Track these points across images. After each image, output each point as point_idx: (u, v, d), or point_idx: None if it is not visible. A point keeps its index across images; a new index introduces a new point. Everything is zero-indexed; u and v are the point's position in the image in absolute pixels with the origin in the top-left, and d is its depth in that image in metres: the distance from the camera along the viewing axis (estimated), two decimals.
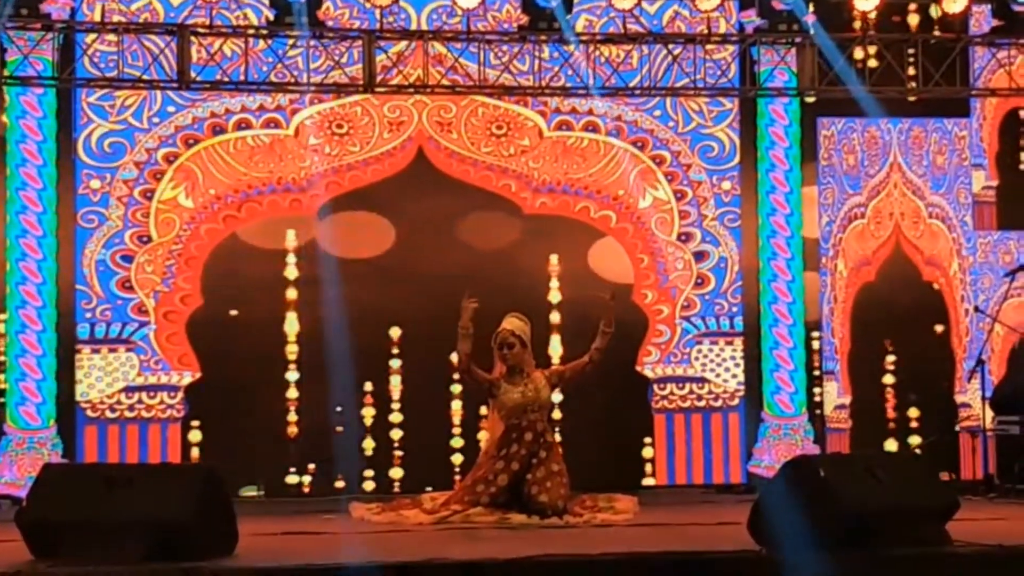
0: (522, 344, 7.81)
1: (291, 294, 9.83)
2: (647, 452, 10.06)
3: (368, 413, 9.84)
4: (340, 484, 9.64)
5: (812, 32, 9.48)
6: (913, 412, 10.29)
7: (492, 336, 7.82)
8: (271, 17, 9.66)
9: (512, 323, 7.85)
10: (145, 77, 9.24)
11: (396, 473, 9.82)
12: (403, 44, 9.58)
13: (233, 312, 9.76)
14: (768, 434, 10.10)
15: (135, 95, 9.70)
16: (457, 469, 9.49)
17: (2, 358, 9.51)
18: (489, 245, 9.96)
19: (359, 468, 9.76)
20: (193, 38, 9.17)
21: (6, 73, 9.19)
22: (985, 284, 10.45)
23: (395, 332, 9.88)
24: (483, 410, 9.18)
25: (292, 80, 9.42)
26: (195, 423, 9.70)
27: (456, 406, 9.83)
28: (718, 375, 10.17)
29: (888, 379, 10.32)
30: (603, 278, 9.94)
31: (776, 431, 10.10)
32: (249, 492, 9.54)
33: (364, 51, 9.30)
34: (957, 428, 10.16)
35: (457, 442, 9.74)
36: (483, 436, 8.28)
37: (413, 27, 9.83)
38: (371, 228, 9.91)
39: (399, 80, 9.53)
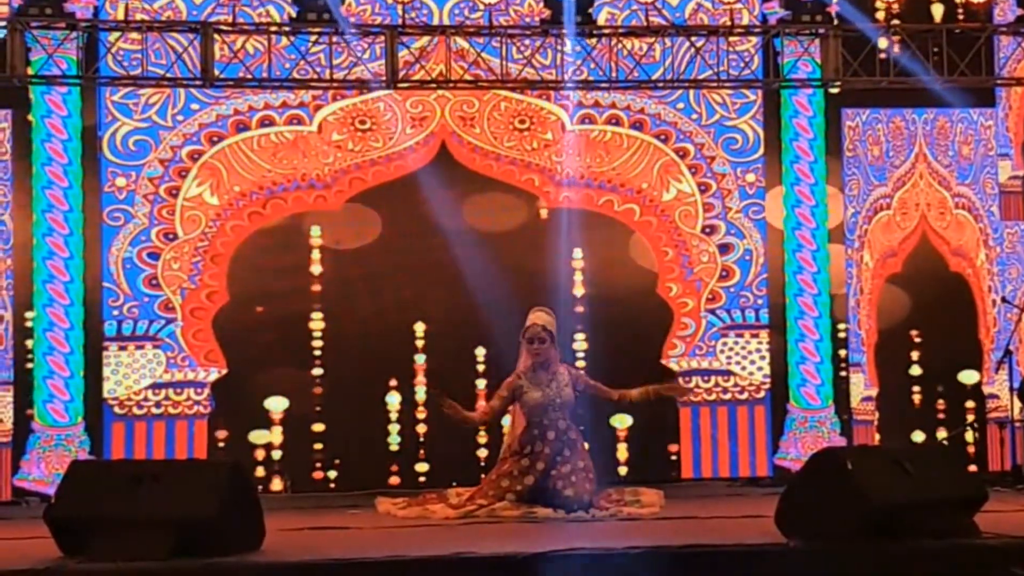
0: (551, 339, 7.82)
1: (316, 289, 9.84)
2: (673, 446, 10.04)
3: (393, 408, 9.84)
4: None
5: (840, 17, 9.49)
6: (940, 404, 10.24)
7: (521, 330, 7.84)
8: (293, 14, 9.67)
9: (541, 318, 7.86)
10: (169, 75, 9.26)
11: (421, 467, 9.82)
12: (425, 39, 9.57)
13: (259, 308, 9.78)
14: (794, 427, 10.07)
15: (159, 93, 9.73)
16: (483, 463, 9.49)
17: (30, 356, 9.55)
18: (513, 239, 9.95)
19: (386, 463, 9.80)
20: (216, 36, 9.18)
21: (31, 72, 9.22)
22: (1012, 274, 10.40)
23: (420, 328, 9.88)
24: None
25: (315, 76, 9.43)
26: (221, 419, 9.72)
27: (482, 401, 9.82)
28: (744, 368, 10.14)
29: (915, 370, 10.27)
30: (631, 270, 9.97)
31: (802, 423, 10.06)
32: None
33: (387, 47, 9.29)
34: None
35: (482, 437, 9.73)
36: (505, 426, 8.23)
37: (435, 22, 9.83)
38: (398, 224, 9.91)
39: (422, 75, 9.53)
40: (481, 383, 9.80)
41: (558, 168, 10.01)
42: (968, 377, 10.22)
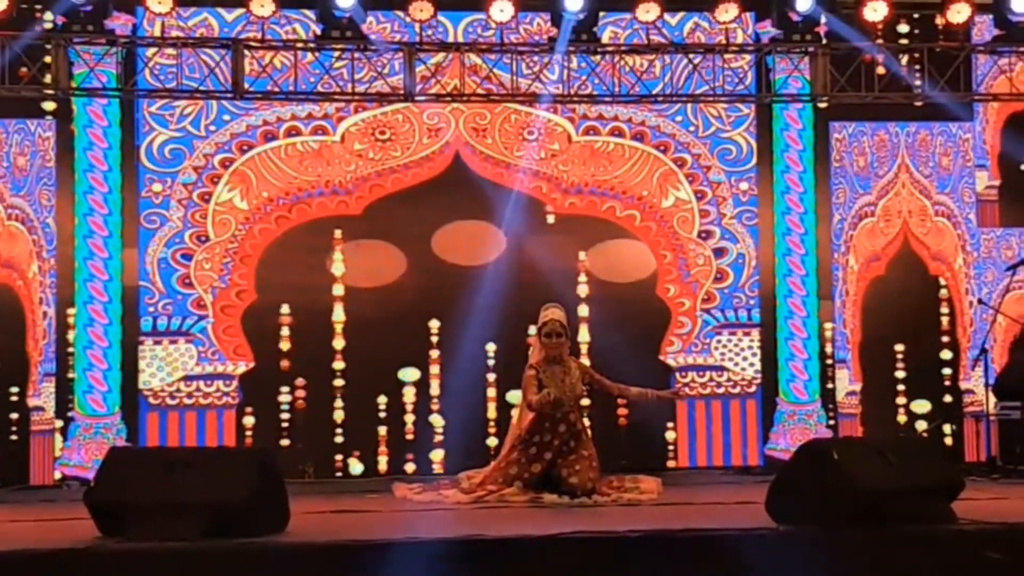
0: (567, 334, 7.80)
1: (338, 289, 9.85)
2: (670, 436, 10.03)
3: (409, 399, 9.85)
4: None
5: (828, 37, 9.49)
6: (920, 400, 10.22)
7: (539, 327, 7.82)
8: (318, 32, 9.67)
9: (556, 314, 7.82)
10: (202, 88, 9.28)
11: (436, 455, 9.83)
12: (441, 56, 9.58)
13: (284, 306, 9.79)
14: (784, 419, 10.06)
15: (193, 105, 9.74)
16: (492, 453, 9.47)
17: (71, 350, 9.57)
18: (522, 242, 9.95)
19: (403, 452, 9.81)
20: (246, 52, 9.20)
21: (74, 85, 9.24)
22: (988, 278, 10.37)
23: (434, 324, 9.89)
24: (511, 393, 9.15)
25: (338, 90, 9.43)
26: (249, 409, 9.74)
27: (492, 393, 9.83)
28: (736, 364, 10.13)
29: (897, 367, 10.25)
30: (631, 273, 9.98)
31: (791, 416, 10.05)
32: None
33: (405, 63, 9.30)
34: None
35: (492, 427, 9.73)
36: (514, 413, 8.19)
37: (450, 40, 9.83)
38: (412, 229, 9.92)
39: (437, 89, 9.53)
40: (492, 376, 9.81)
41: (564, 176, 10.01)
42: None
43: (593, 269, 10.00)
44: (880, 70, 9.67)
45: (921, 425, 10.20)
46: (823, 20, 9.63)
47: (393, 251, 9.89)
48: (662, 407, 9.60)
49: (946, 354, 10.29)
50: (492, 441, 9.67)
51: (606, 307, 9.95)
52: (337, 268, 9.85)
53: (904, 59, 9.82)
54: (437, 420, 9.85)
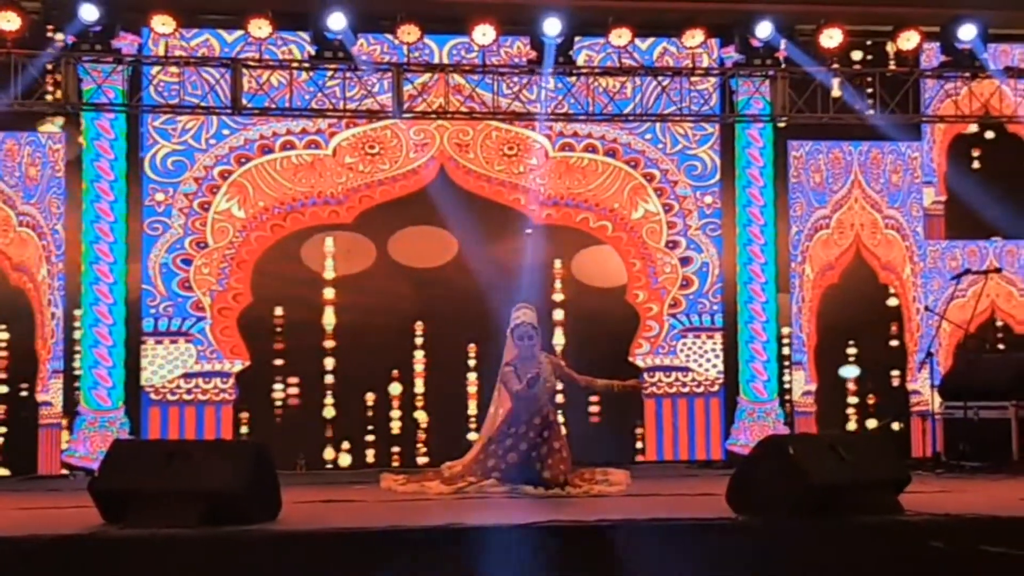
0: (537, 334, 7.77)
1: (329, 293, 9.83)
2: (638, 432, 10.04)
3: (395, 396, 9.83)
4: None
5: (787, 61, 9.53)
6: (870, 399, 10.26)
7: (511, 328, 7.78)
8: (313, 52, 9.63)
9: (527, 315, 7.77)
10: (203, 104, 9.25)
11: (420, 448, 9.80)
12: (427, 76, 9.56)
13: (278, 308, 9.76)
14: (744, 416, 10.08)
15: (194, 120, 9.71)
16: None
17: (78, 348, 9.51)
18: (502, 250, 9.94)
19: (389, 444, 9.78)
20: (245, 70, 9.17)
21: (83, 101, 9.19)
22: (934, 286, 10.41)
23: (419, 326, 9.87)
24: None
25: (331, 107, 9.41)
26: (244, 405, 9.70)
27: (472, 389, 9.82)
28: (700, 365, 10.14)
29: (849, 368, 10.28)
30: (603, 279, 9.99)
31: (751, 414, 10.07)
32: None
33: (393, 82, 9.29)
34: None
35: (472, 423, 9.71)
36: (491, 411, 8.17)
37: (436, 61, 9.81)
38: (401, 236, 9.90)
39: (423, 107, 9.52)
40: (472, 375, 9.79)
41: (541, 189, 10.02)
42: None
43: (569, 275, 10.00)
44: (835, 92, 9.71)
45: (871, 423, 10.23)
46: (782, 46, 9.67)
47: (380, 257, 9.87)
48: (629, 400, 9.57)
49: (895, 357, 10.33)
50: (472, 435, 9.62)
51: (579, 311, 9.95)
52: (328, 274, 9.82)
53: (856, 82, 9.84)
54: (421, 416, 9.83)
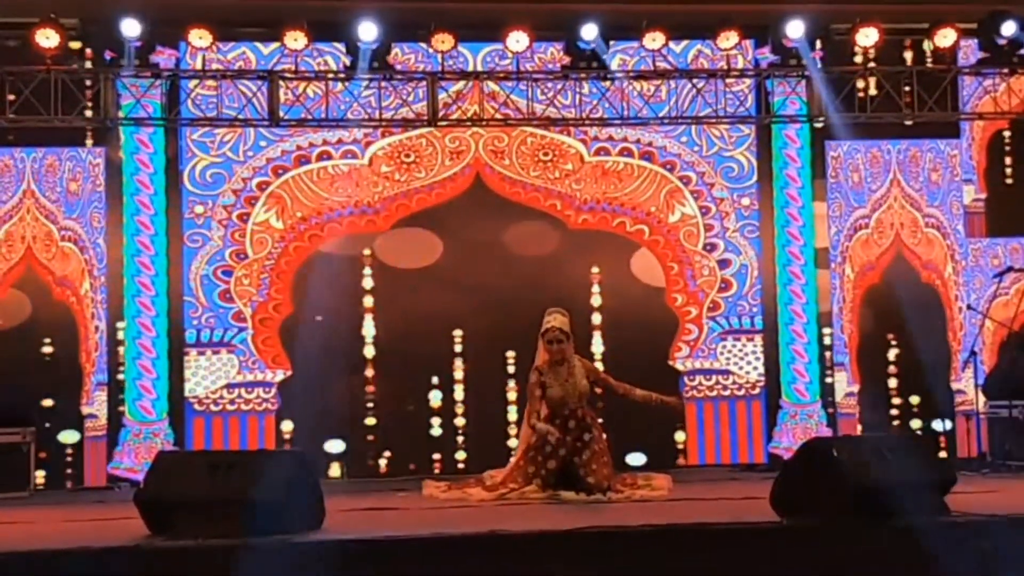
0: (568, 339, 7.74)
1: (368, 302, 9.86)
2: (679, 436, 10.00)
3: (435, 403, 9.84)
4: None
5: (814, 68, 9.45)
6: (914, 399, 10.17)
7: (541, 332, 7.74)
8: (348, 63, 9.69)
9: (558, 320, 7.74)
10: (240, 116, 9.31)
11: (460, 455, 9.81)
12: (462, 84, 9.59)
13: (318, 318, 9.79)
14: (786, 419, 10.02)
15: (232, 132, 9.78)
16: (512, 452, 9.44)
17: (122, 360, 9.59)
18: (539, 256, 9.94)
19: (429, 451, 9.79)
20: (281, 82, 9.23)
21: (122, 115, 9.28)
22: (976, 285, 10.31)
23: (458, 333, 9.88)
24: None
25: (366, 117, 9.45)
26: (287, 415, 9.74)
27: (512, 396, 9.82)
28: (741, 368, 10.09)
29: (892, 370, 10.20)
30: (641, 283, 9.97)
31: (793, 416, 10.01)
32: None
33: (428, 90, 9.31)
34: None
35: (512, 428, 9.71)
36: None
37: (471, 69, 9.84)
38: (434, 243, 9.92)
39: (458, 115, 9.54)
40: (512, 382, 9.79)
41: (577, 194, 10.01)
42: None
43: (607, 279, 9.98)
44: (872, 91, 9.64)
45: (916, 423, 10.13)
46: (818, 46, 9.60)
47: (419, 265, 9.89)
48: (667, 411, 9.53)
49: (938, 357, 10.22)
50: (512, 442, 9.62)
51: (617, 315, 9.92)
52: (367, 282, 9.86)
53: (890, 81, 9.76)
54: (461, 422, 9.84)
